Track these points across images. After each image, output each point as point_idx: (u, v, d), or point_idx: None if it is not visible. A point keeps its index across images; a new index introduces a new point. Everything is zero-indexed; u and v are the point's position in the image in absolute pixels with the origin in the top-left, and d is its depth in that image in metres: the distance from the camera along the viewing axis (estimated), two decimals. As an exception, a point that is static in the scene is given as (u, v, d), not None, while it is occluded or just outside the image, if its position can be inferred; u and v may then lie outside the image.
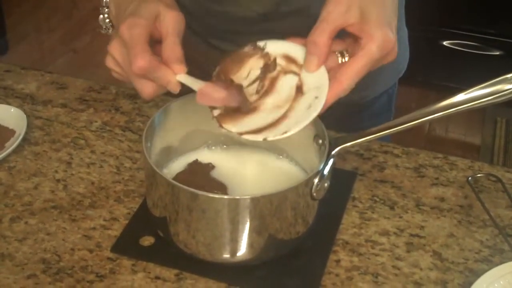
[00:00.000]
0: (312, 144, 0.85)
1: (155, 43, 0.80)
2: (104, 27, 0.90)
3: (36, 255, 0.83)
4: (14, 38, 3.12)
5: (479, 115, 2.76)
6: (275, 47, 0.81)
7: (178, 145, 0.90)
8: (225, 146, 0.92)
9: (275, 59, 0.80)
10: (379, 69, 1.03)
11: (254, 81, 0.80)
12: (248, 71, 0.81)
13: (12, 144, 0.98)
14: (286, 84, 0.79)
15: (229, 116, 0.78)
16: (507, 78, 0.78)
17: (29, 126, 1.02)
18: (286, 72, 0.79)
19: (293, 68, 0.79)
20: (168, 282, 0.80)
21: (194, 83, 0.79)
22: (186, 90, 0.89)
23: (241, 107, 0.78)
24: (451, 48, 2.81)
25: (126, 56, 0.79)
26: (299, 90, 0.78)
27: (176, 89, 0.79)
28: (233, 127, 0.78)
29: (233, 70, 0.82)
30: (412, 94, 2.72)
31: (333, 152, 0.80)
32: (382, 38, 0.74)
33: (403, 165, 0.98)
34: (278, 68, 0.80)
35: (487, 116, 2.77)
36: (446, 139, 2.73)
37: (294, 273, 0.81)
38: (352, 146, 0.82)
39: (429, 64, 2.75)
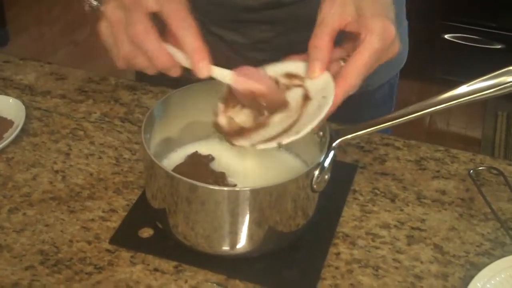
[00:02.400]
0: (312, 136, 0.84)
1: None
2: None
3: (34, 246, 0.83)
4: (15, 30, 3.11)
5: (480, 109, 2.76)
6: (274, 69, 0.80)
7: (178, 136, 0.90)
8: (225, 137, 0.92)
9: (275, 80, 0.80)
10: None
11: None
12: None
13: (10, 135, 0.97)
14: (292, 97, 0.78)
15: (238, 135, 0.78)
16: (510, 70, 0.77)
17: (28, 117, 1.02)
18: (289, 87, 0.79)
19: (296, 81, 0.78)
20: (167, 274, 0.80)
21: (222, 72, 0.78)
22: (185, 82, 0.89)
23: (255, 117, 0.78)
24: (452, 41, 2.80)
25: (123, 18, 0.75)
26: (306, 97, 0.77)
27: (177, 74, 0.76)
28: (245, 141, 0.77)
29: (233, 103, 0.80)
30: (413, 88, 2.71)
31: (333, 144, 0.80)
32: (382, 29, 0.73)
33: (404, 157, 0.97)
34: (281, 86, 0.79)
35: (488, 110, 2.77)
36: (447, 133, 2.72)
37: (294, 265, 0.81)
38: (352, 138, 0.82)
39: (430, 58, 2.74)
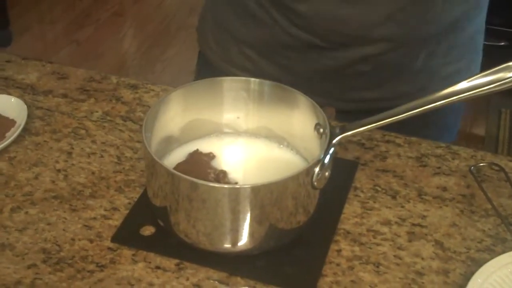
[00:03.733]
0: (313, 133, 0.85)
1: None
2: None
3: (36, 245, 0.83)
4: (18, 30, 3.12)
5: (483, 106, 2.75)
6: None
7: (179, 134, 0.90)
8: (226, 135, 0.92)
9: None
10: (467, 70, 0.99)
11: None
12: None
13: (12, 134, 0.98)
14: None
15: None
16: (509, 66, 0.77)
17: (30, 116, 1.02)
18: None
19: None
20: (169, 272, 0.80)
21: None
22: (186, 80, 0.89)
23: None
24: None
25: None
26: None
27: None
28: None
29: None
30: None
31: (334, 141, 0.80)
32: None
33: (405, 154, 0.97)
34: None
35: (492, 107, 2.76)
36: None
37: (295, 262, 0.81)
38: (353, 135, 0.82)
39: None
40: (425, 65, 1.07)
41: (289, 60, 1.08)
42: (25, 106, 1.02)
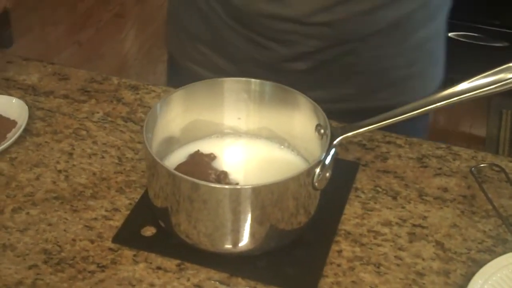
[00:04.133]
0: (314, 134, 0.85)
1: None
2: None
3: (37, 245, 0.83)
4: (19, 31, 3.12)
5: (484, 107, 2.76)
6: None
7: (180, 135, 0.90)
8: (226, 136, 0.92)
9: None
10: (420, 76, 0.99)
11: None
12: None
13: (13, 135, 0.98)
14: None
15: None
16: (510, 66, 0.77)
17: (31, 117, 1.02)
18: None
19: None
20: (170, 272, 0.80)
21: None
22: (187, 81, 0.89)
23: None
24: (456, 39, 2.79)
25: None
26: None
27: None
28: None
29: None
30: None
31: (335, 142, 0.80)
32: None
33: (406, 155, 0.97)
34: None
35: (492, 108, 2.76)
36: (451, 132, 2.72)
37: (296, 263, 0.81)
38: (354, 136, 0.82)
39: (434, 56, 2.73)
40: (371, 68, 1.06)
41: (235, 55, 1.09)
42: (26, 107, 1.02)
